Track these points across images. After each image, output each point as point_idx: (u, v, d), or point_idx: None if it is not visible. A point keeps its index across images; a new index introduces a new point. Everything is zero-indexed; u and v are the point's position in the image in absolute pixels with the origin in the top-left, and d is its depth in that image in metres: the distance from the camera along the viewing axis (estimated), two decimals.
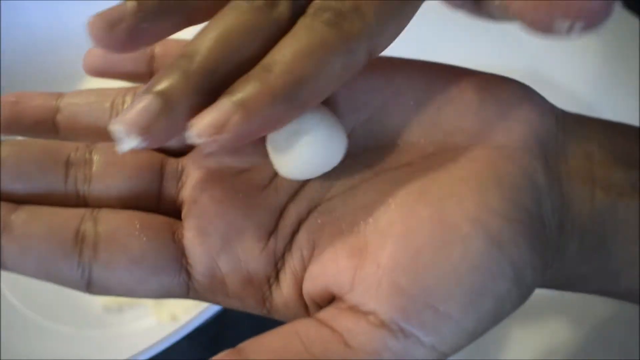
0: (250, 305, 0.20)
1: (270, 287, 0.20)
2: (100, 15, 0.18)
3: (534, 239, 0.19)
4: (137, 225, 0.20)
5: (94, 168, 0.21)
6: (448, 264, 0.18)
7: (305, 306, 0.20)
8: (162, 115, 0.17)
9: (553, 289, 0.22)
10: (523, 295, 0.19)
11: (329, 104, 0.21)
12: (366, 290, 0.18)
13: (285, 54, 0.17)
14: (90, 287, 0.20)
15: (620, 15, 0.43)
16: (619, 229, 0.21)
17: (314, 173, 0.20)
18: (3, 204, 0.20)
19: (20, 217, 0.20)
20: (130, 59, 0.23)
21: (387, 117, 0.21)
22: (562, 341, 0.38)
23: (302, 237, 0.20)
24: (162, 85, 0.17)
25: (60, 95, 0.23)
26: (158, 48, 0.23)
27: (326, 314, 0.19)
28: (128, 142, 0.17)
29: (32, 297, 0.40)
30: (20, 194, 0.20)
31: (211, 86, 0.17)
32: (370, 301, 0.18)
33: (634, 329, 0.35)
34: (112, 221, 0.20)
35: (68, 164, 0.21)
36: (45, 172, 0.21)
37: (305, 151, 0.19)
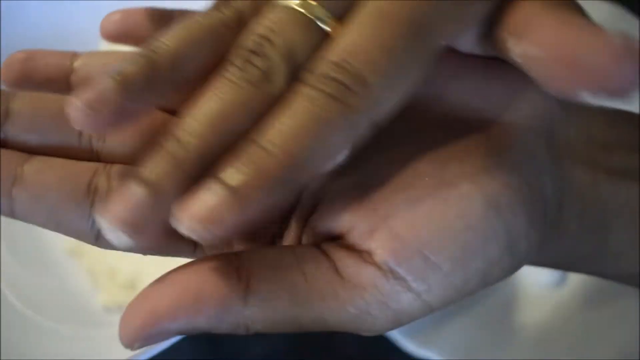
0: None
1: (273, 240, 0.21)
2: (80, 99, 0.17)
3: (532, 209, 0.19)
4: None
5: None
6: (444, 219, 0.18)
7: None
8: (150, 209, 0.16)
9: (553, 268, 0.22)
10: (514, 265, 0.19)
11: None
12: (362, 233, 0.18)
13: (282, 130, 0.16)
14: (99, 239, 0.20)
15: (620, 15, 0.43)
16: (620, 212, 0.21)
17: None
18: (16, 153, 0.20)
19: (33, 166, 0.19)
20: (147, 26, 0.23)
21: None
22: (562, 341, 0.38)
23: (305, 197, 0.20)
24: (150, 173, 0.16)
25: (74, 55, 0.23)
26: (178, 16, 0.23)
27: (324, 244, 0.19)
28: (115, 238, 0.16)
29: (32, 297, 0.40)
30: (33, 145, 0.20)
31: (203, 171, 0.16)
32: (366, 242, 0.18)
33: (634, 328, 0.35)
34: (124, 174, 0.20)
35: None
36: (59, 125, 0.20)
37: None
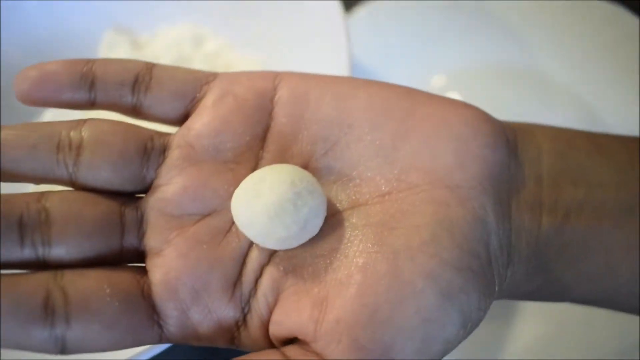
0: (219, 344, 0.21)
1: (238, 328, 0.21)
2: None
3: (481, 282, 0.20)
4: (107, 290, 0.19)
5: (52, 230, 0.20)
6: (403, 319, 0.19)
7: (272, 344, 0.21)
8: None
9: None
10: (470, 331, 0.20)
11: (292, 147, 0.21)
12: (328, 344, 0.19)
13: None
14: (64, 353, 0.19)
15: (620, 15, 0.43)
16: (561, 252, 0.22)
17: (291, 245, 0.20)
18: None
19: None
20: (67, 85, 0.21)
21: (343, 151, 0.21)
22: (562, 340, 0.38)
23: (265, 284, 0.20)
24: None
25: None
26: (99, 69, 0.22)
27: (293, 351, 0.20)
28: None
29: None
30: None
31: None
32: (332, 353, 0.19)
33: (634, 328, 0.35)
34: (81, 288, 0.19)
35: (21, 225, 0.20)
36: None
37: (286, 227, 0.20)
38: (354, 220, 0.20)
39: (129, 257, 0.21)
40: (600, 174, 0.22)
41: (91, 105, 0.22)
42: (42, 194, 0.20)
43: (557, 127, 0.23)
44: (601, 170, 0.22)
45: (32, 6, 0.43)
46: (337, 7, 0.36)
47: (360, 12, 0.45)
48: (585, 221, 0.21)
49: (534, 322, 0.39)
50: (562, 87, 0.44)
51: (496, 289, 0.21)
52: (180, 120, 0.22)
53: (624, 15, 0.43)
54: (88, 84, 0.21)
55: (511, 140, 0.22)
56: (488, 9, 0.45)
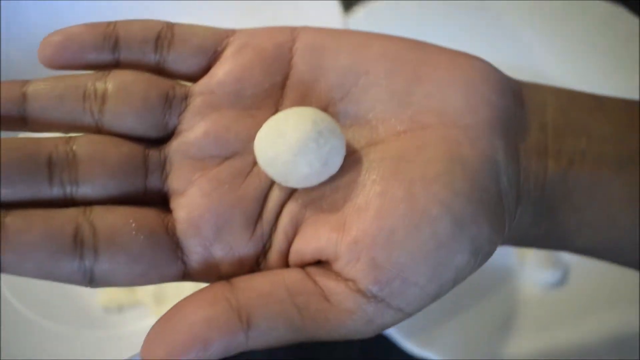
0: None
1: (259, 265, 0.22)
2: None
3: (492, 216, 0.21)
4: (133, 225, 0.20)
5: (79, 169, 0.21)
6: (418, 243, 0.20)
7: None
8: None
9: (509, 245, 0.25)
10: (480, 263, 0.21)
11: (310, 93, 0.22)
12: (347, 263, 0.20)
13: None
14: (92, 284, 0.20)
15: (620, 15, 0.43)
16: (566, 198, 0.23)
17: (312, 183, 0.21)
18: None
19: (14, 223, 0.19)
20: (91, 46, 0.22)
21: (360, 95, 0.22)
22: (562, 341, 0.38)
23: (285, 219, 0.21)
24: None
25: (25, 83, 0.22)
26: (121, 29, 0.23)
27: (313, 270, 0.21)
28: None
29: (32, 297, 0.40)
30: (5, 199, 0.20)
31: None
32: (350, 272, 0.20)
33: (634, 328, 0.35)
34: (109, 222, 0.20)
35: (50, 165, 0.21)
36: (28, 176, 0.20)
37: (309, 164, 0.20)
38: (371, 156, 0.21)
39: (153, 198, 0.22)
40: (601, 128, 0.23)
41: (115, 64, 0.23)
42: (70, 137, 0.22)
43: (561, 87, 0.25)
44: (602, 124, 0.23)
45: (32, 6, 0.43)
46: (337, 7, 0.36)
47: (360, 12, 0.45)
48: (588, 169, 0.23)
49: (534, 322, 0.39)
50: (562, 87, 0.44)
51: (506, 225, 0.22)
52: (203, 75, 0.23)
53: (624, 15, 0.43)
54: (111, 43, 0.23)
55: (516, 91, 0.23)
56: (488, 9, 0.45)
